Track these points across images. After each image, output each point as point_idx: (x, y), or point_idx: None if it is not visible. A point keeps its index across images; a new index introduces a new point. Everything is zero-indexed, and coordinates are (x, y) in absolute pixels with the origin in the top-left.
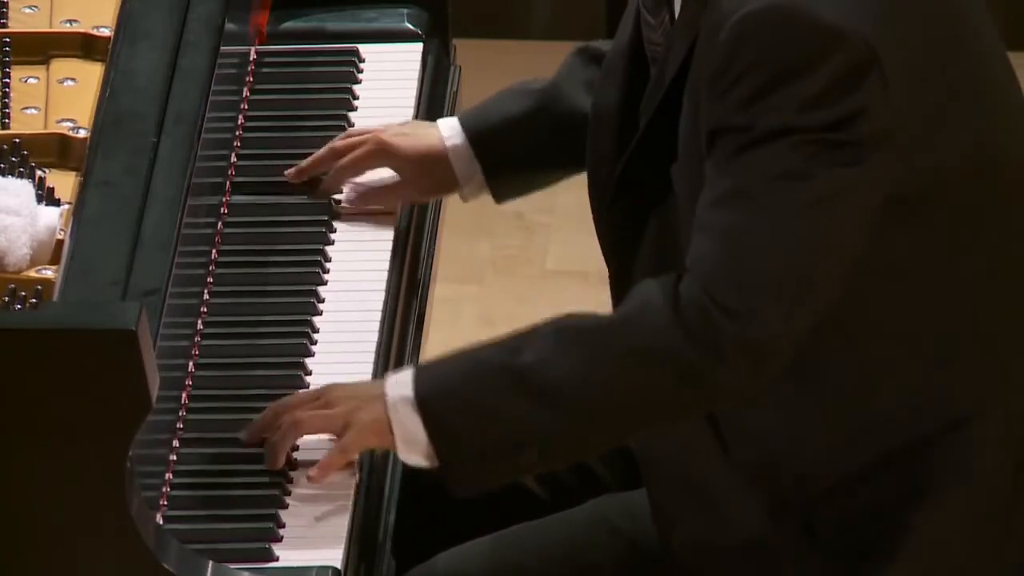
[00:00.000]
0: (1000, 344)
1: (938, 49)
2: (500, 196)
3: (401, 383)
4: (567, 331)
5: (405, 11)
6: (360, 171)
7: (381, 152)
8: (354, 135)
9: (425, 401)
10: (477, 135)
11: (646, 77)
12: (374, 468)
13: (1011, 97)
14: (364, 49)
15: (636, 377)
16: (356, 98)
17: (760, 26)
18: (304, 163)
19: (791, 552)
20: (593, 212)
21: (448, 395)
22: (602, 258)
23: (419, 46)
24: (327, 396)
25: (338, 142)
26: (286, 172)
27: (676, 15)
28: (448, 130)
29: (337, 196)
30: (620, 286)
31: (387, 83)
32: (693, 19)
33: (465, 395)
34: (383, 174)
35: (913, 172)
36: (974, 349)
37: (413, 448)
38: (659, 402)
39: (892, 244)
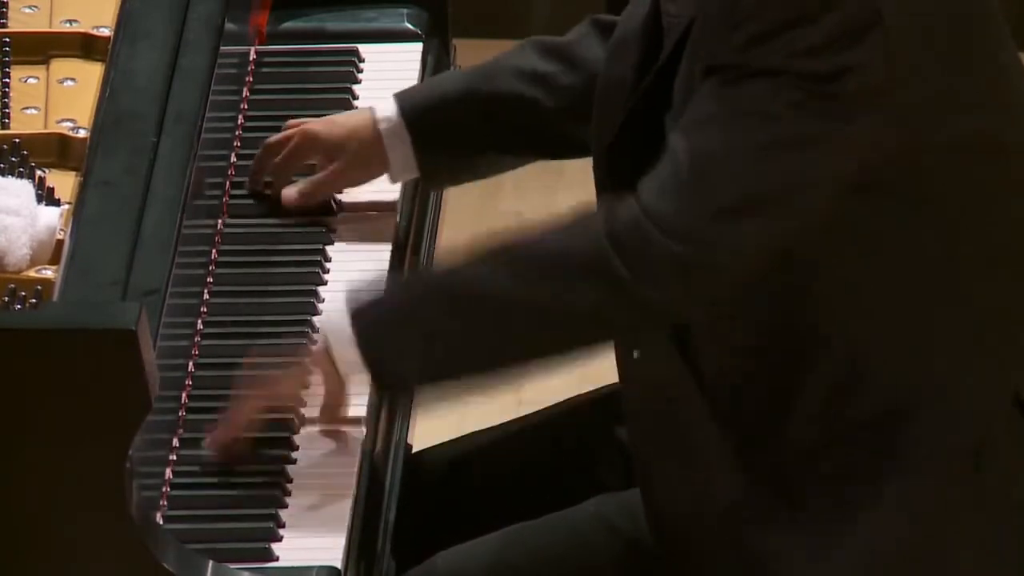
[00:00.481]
0: (995, 331)
1: (956, 26)
2: (429, 176)
3: (336, 313)
4: (497, 246)
5: (405, 11)
6: (295, 165)
7: (308, 142)
8: (290, 126)
9: (353, 307)
10: (409, 106)
11: (659, 52)
12: (374, 467)
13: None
14: (364, 49)
15: (565, 289)
16: (356, 98)
17: None
18: (251, 169)
19: (770, 518)
20: (597, 173)
21: (376, 302)
22: None
23: (419, 46)
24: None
25: (271, 139)
26: (246, 184)
27: None
28: (381, 105)
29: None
30: None
31: (387, 83)
32: None
33: (392, 301)
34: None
35: (918, 146)
36: (967, 333)
37: (346, 348)
38: (586, 315)
39: (891, 217)
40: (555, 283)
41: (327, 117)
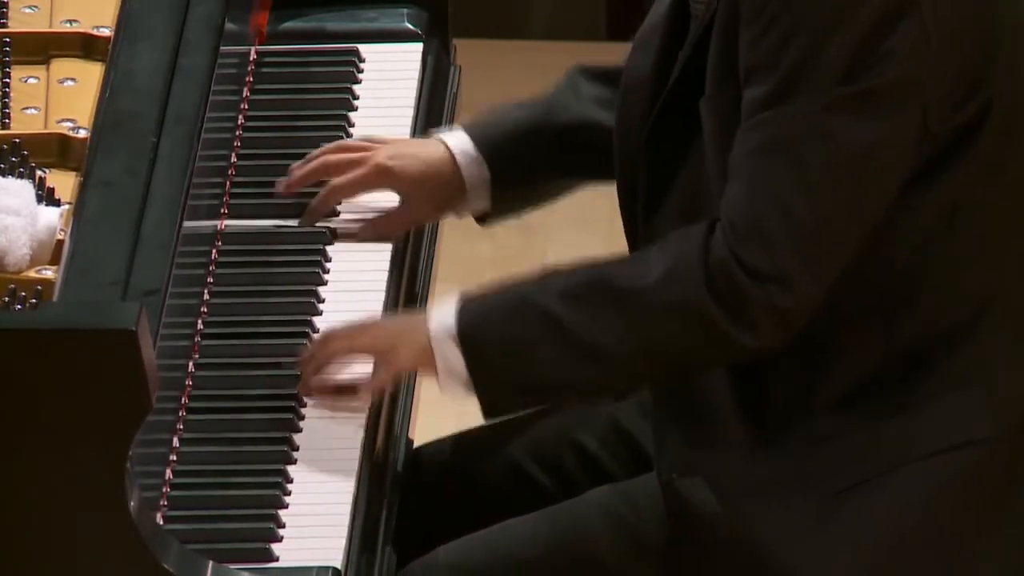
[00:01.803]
0: (1013, 311)
1: (977, 7)
2: (498, 208)
3: (445, 314)
4: (605, 287)
5: (405, 11)
6: (356, 193)
7: (382, 177)
8: (350, 149)
9: (466, 336)
10: (484, 140)
11: (683, 42)
12: (374, 465)
13: None
14: (364, 49)
15: (669, 336)
16: (356, 98)
17: None
18: (294, 176)
19: (777, 479)
20: (620, 177)
21: (489, 333)
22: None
23: (419, 46)
24: (373, 327)
25: (332, 157)
26: (276, 185)
27: None
28: (453, 139)
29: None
30: (635, 234)
31: (387, 83)
32: None
33: (506, 336)
34: (379, 200)
35: (950, 127)
36: (985, 311)
37: (453, 379)
38: (689, 357)
39: (922, 193)
40: (663, 331)
41: (395, 147)
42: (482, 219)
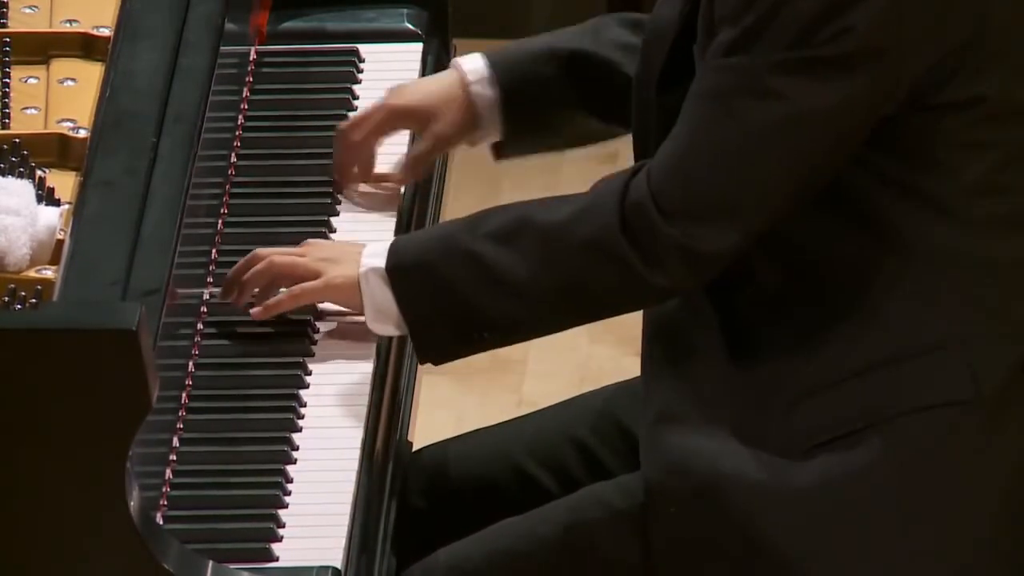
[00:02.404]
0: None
1: None
2: (513, 137)
3: (376, 253)
4: (529, 225)
5: (405, 11)
6: (375, 141)
7: (396, 116)
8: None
9: (395, 273)
10: (495, 60)
11: None
12: (374, 466)
13: None
14: (364, 49)
15: (581, 272)
16: (356, 98)
17: None
18: (337, 166)
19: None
20: (636, 123)
21: (417, 271)
22: None
23: (419, 46)
24: (306, 248)
25: (343, 124)
26: (337, 187)
27: None
28: (468, 62)
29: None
30: None
31: (387, 83)
32: None
33: (434, 274)
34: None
35: (935, 107)
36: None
37: (383, 317)
38: (604, 296)
39: (917, 174)
40: (577, 267)
41: (401, 86)
42: (500, 153)
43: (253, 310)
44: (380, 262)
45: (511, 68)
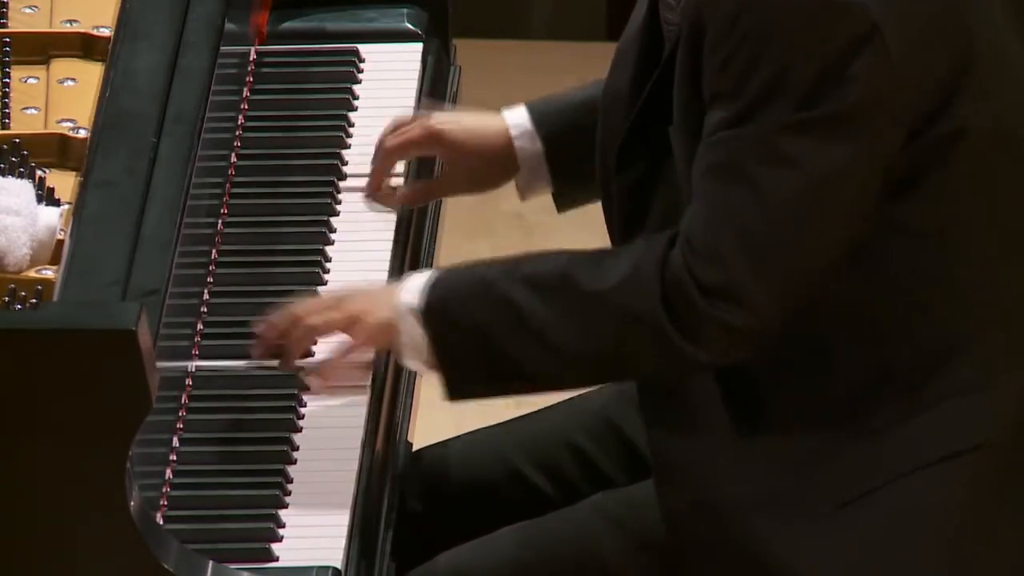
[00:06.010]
0: (1010, 317)
1: (942, 20)
2: (562, 188)
3: (413, 291)
4: (570, 285)
5: (405, 11)
6: (406, 154)
7: (431, 137)
8: (404, 123)
9: (430, 316)
10: (538, 112)
11: (657, 60)
12: (374, 467)
13: None
14: (364, 49)
15: (623, 342)
16: (356, 98)
17: None
18: (373, 177)
19: (777, 492)
20: (602, 192)
21: (453, 315)
22: None
23: (419, 46)
24: (336, 300)
25: (389, 140)
26: (364, 192)
27: None
28: (512, 114)
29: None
30: None
31: (387, 83)
32: None
33: (468, 318)
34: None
35: (928, 140)
36: (982, 319)
37: (415, 353)
38: (641, 365)
39: (910, 209)
40: (618, 337)
41: (448, 113)
42: (558, 204)
43: (313, 385)
44: (416, 300)
45: (552, 121)
